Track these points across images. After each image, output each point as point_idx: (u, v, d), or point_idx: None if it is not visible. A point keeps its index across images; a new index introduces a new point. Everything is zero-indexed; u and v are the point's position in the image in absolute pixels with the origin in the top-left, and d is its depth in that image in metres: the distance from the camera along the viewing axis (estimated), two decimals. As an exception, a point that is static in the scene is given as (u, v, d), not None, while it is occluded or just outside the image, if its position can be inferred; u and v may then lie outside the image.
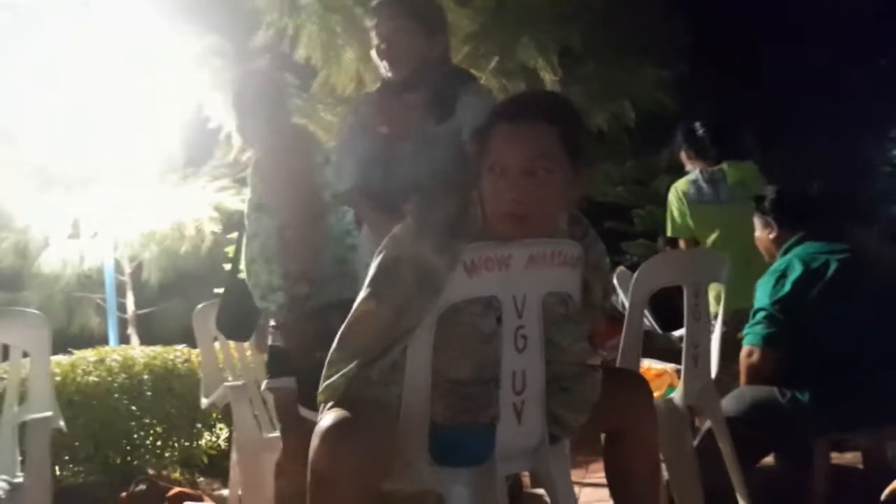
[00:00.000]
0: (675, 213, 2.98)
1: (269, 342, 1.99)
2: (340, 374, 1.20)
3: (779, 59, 6.21)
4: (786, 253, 2.07)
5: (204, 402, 2.50)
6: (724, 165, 2.85)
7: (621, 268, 2.83)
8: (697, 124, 2.94)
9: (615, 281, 2.52)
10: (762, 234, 2.18)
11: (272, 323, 1.99)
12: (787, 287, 1.95)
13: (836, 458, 2.16)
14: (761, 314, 1.98)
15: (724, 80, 5.76)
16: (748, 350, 1.99)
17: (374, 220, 1.75)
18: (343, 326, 1.23)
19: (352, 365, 1.20)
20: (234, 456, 2.30)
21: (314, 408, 1.74)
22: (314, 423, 1.73)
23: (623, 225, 5.30)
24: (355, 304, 1.23)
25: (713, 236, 2.84)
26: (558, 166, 1.20)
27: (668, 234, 3.06)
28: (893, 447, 2.10)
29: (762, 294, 2.00)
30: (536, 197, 1.19)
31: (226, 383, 2.29)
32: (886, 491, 1.24)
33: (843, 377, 1.84)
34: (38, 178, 3.78)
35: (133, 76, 3.65)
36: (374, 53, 1.83)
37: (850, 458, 2.31)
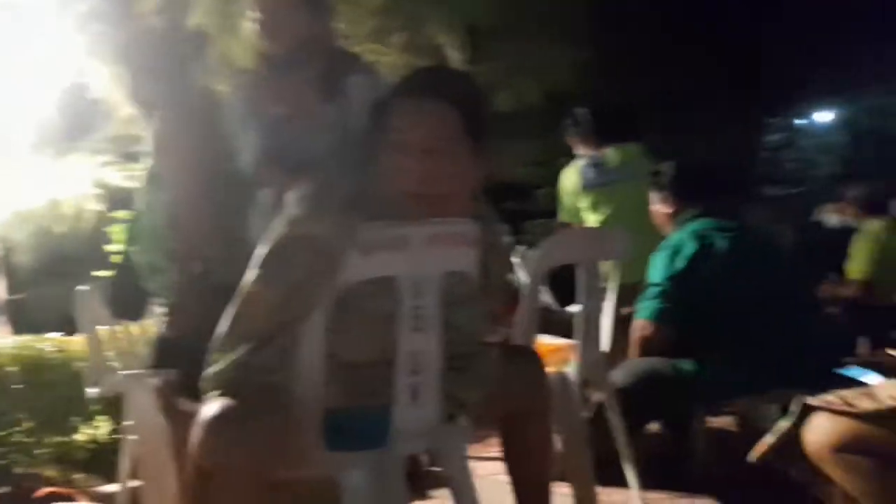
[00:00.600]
0: (565, 200, 3.16)
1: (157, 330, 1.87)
2: (227, 361, 1.14)
3: (682, 44, 6.51)
4: (680, 228, 2.17)
5: (90, 391, 2.33)
6: (608, 149, 3.01)
7: (523, 247, 2.90)
8: (581, 111, 3.09)
9: (517, 260, 2.58)
10: (658, 208, 2.28)
11: (159, 307, 1.88)
12: (681, 264, 2.05)
13: (712, 421, 2.34)
14: (655, 289, 2.07)
15: (630, 62, 5.98)
16: (641, 324, 2.09)
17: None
18: (230, 311, 1.17)
19: (239, 351, 1.14)
20: (125, 449, 2.17)
21: (199, 400, 1.68)
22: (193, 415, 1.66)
23: (525, 205, 5.43)
24: (244, 288, 1.16)
25: (602, 219, 3.00)
26: (460, 145, 1.19)
27: (559, 219, 3.23)
28: (764, 410, 2.29)
29: (656, 269, 2.10)
30: (435, 175, 1.17)
31: (121, 371, 2.13)
32: (754, 451, 1.34)
33: (728, 349, 1.98)
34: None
35: (4, 38, 3.29)
36: (253, 27, 1.74)
37: (726, 421, 2.50)
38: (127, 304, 2.00)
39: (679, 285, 2.04)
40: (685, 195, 2.22)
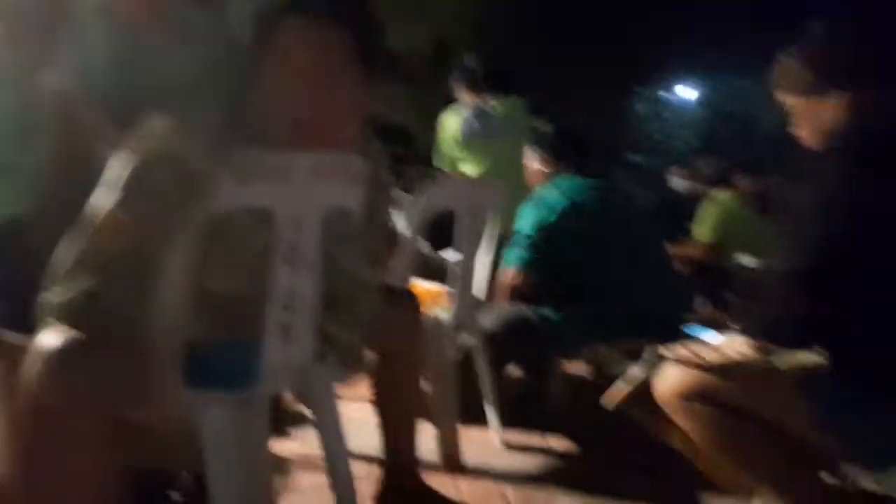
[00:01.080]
0: (444, 147, 3.15)
1: None
2: (76, 289, 1.00)
3: (568, 8, 6.61)
4: (552, 184, 2.26)
5: None
6: (491, 99, 3.01)
7: (400, 192, 2.86)
8: (471, 59, 3.08)
9: (397, 204, 2.55)
10: (534, 165, 2.35)
11: None
12: (551, 217, 2.14)
13: (568, 367, 2.51)
14: (523, 239, 2.15)
15: (519, 23, 6.00)
16: (508, 271, 2.17)
17: (102, 134, 1.36)
18: (83, 237, 1.03)
19: (90, 279, 1.00)
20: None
21: (18, 328, 1.48)
22: (19, 348, 1.48)
23: (405, 149, 5.37)
24: (95, 210, 1.02)
25: (483, 169, 3.02)
26: (349, 71, 1.11)
27: (435, 163, 3.21)
28: (613, 358, 2.49)
29: (525, 220, 2.17)
30: (322, 101, 1.09)
31: None
32: (606, 396, 1.45)
33: (587, 299, 2.10)
34: None
35: None
36: None
37: (580, 368, 2.70)
38: None
39: (546, 237, 2.13)
40: (562, 156, 2.30)
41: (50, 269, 1.02)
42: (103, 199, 1.03)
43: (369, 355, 1.40)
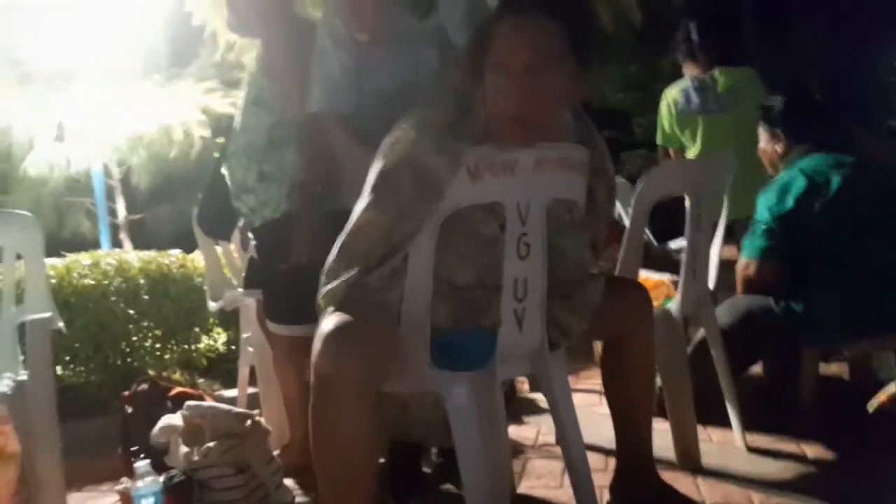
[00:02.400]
0: (665, 123, 2.93)
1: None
2: (341, 280, 1.18)
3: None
4: (790, 165, 2.03)
5: (212, 305, 2.51)
6: (716, 72, 2.74)
7: (620, 178, 2.78)
8: (692, 25, 2.79)
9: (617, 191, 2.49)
10: (768, 145, 2.14)
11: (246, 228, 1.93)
12: (790, 203, 1.93)
13: (823, 368, 2.22)
14: (761, 227, 1.97)
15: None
16: (745, 262, 2.00)
17: (345, 146, 1.60)
18: (343, 235, 1.20)
19: (352, 271, 1.18)
20: (242, 357, 2.35)
21: (278, 321, 1.74)
22: (283, 337, 1.73)
23: (622, 134, 5.17)
24: (355, 212, 1.19)
25: (701, 146, 2.78)
26: (564, 64, 1.14)
27: (658, 142, 3.02)
28: (879, 358, 2.15)
29: (763, 207, 1.98)
30: (540, 97, 1.13)
31: (239, 288, 2.28)
32: (873, 401, 1.26)
33: (837, 289, 1.86)
34: (15, 72, 3.61)
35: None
36: None
37: (836, 369, 2.37)
38: (215, 222, 2.07)
39: (786, 224, 1.92)
40: (796, 133, 2.04)
41: (327, 262, 1.21)
42: (360, 203, 1.19)
43: (598, 345, 1.41)
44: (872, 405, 1.25)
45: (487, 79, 1.15)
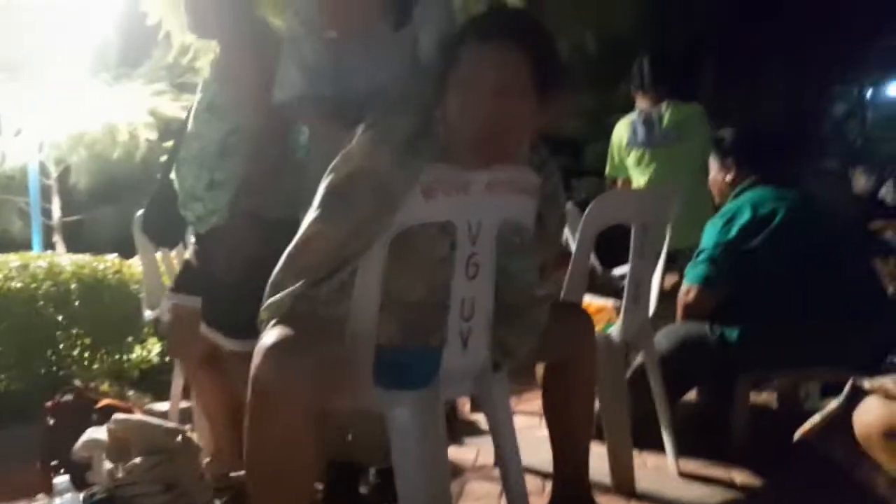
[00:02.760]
0: (613, 154, 3.06)
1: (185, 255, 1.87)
2: (286, 292, 1.16)
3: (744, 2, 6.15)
4: (737, 196, 2.10)
5: (148, 314, 2.41)
6: (663, 106, 2.86)
7: (570, 204, 2.85)
8: (645, 60, 2.92)
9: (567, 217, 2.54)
10: (718, 175, 2.19)
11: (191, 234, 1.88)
12: (734, 232, 2.00)
13: (753, 397, 2.30)
14: (704, 254, 2.03)
15: (691, 13, 5.68)
16: (687, 288, 2.06)
17: (322, 128, 1.60)
18: (291, 245, 1.18)
19: (298, 284, 1.15)
20: (176, 369, 2.26)
21: (217, 327, 1.70)
22: (212, 344, 1.68)
23: (574, 161, 5.30)
24: (304, 223, 1.17)
25: (644, 178, 2.91)
26: (529, 91, 1.16)
27: (606, 173, 3.14)
28: (807, 388, 2.25)
29: (709, 236, 2.05)
30: (505, 120, 1.14)
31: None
32: (800, 430, 1.31)
33: (772, 320, 1.93)
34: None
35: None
36: None
37: (766, 397, 2.47)
38: (160, 228, 2.00)
39: (728, 253, 1.99)
40: (746, 164, 2.14)
41: (273, 272, 1.18)
42: (309, 213, 1.17)
43: (540, 368, 1.42)
44: (797, 435, 1.30)
45: (451, 99, 1.16)
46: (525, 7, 3.90)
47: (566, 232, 2.45)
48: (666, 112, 2.86)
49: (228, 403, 1.72)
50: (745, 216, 2.01)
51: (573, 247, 1.85)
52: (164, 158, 3.81)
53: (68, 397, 1.82)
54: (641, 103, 2.95)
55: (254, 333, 1.17)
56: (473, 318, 1.21)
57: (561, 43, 4.25)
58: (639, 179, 2.95)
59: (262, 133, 1.64)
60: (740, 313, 1.98)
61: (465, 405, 2.35)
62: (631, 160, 2.96)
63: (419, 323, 1.20)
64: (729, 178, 2.15)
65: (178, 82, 4.09)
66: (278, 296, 1.16)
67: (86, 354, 2.55)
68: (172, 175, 1.83)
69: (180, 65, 3.88)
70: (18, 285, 2.45)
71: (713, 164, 2.23)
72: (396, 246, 1.15)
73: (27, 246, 3.53)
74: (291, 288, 1.15)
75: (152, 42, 3.89)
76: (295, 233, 1.18)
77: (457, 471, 1.86)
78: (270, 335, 1.09)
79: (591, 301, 2.08)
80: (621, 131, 3.01)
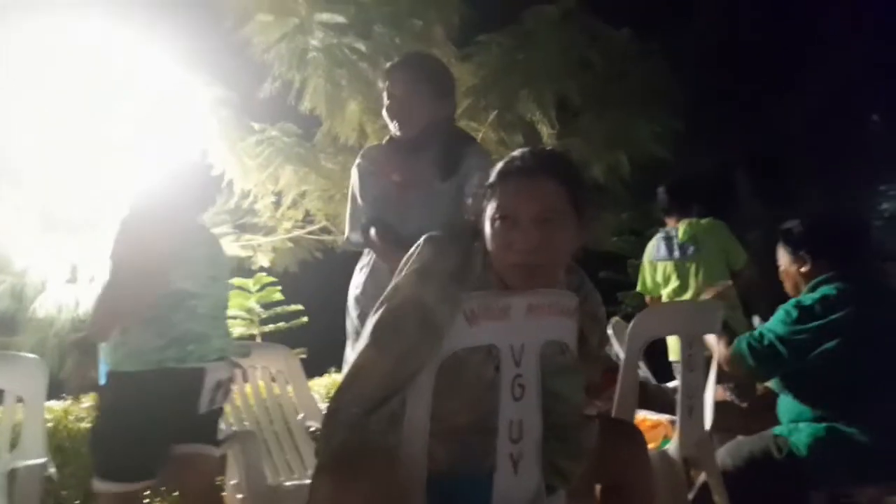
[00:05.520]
0: (645, 272, 3.48)
1: None
2: (339, 421, 1.20)
3: (771, 116, 6.38)
4: (814, 289, 1.99)
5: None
6: (680, 224, 3.33)
7: (616, 318, 2.92)
8: (661, 188, 3.42)
9: (611, 331, 2.56)
10: (790, 267, 2.09)
11: None
12: (809, 333, 1.89)
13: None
14: (768, 338, 1.93)
15: (720, 133, 5.91)
16: (736, 357, 1.97)
17: (388, 253, 1.81)
18: (344, 376, 1.25)
19: (352, 414, 1.20)
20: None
21: (110, 478, 1.74)
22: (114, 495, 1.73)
23: (618, 275, 5.36)
24: (357, 353, 1.24)
25: (668, 290, 3.32)
26: (564, 217, 1.25)
27: (637, 288, 3.56)
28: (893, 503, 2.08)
29: (780, 321, 1.95)
30: (545, 246, 1.22)
31: (233, 429, 2.26)
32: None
33: (844, 433, 1.83)
34: (40, 221, 3.80)
35: (140, 121, 3.71)
36: (384, 112, 1.92)
37: (849, 513, 2.28)
38: None
39: (793, 352, 1.88)
40: (822, 256, 2.02)
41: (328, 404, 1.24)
42: (359, 344, 1.24)
43: (596, 487, 1.39)
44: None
45: (491, 232, 1.25)
46: (558, 135, 4.19)
47: (616, 346, 2.46)
48: (681, 229, 3.31)
49: None
50: (824, 317, 1.90)
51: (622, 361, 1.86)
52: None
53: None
54: (669, 222, 3.41)
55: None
56: (522, 441, 1.23)
57: (597, 167, 4.58)
58: (665, 289, 3.34)
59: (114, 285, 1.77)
60: (809, 424, 1.89)
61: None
62: (655, 274, 3.39)
63: (469, 449, 1.22)
64: (804, 269, 2.03)
65: (239, 223, 4.42)
66: (333, 425, 1.21)
67: (147, 492, 2.57)
68: None
69: (241, 208, 4.21)
70: (87, 426, 2.54)
71: (783, 256, 2.12)
72: (443, 372, 1.20)
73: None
74: (345, 417, 1.20)
75: (217, 189, 4.25)
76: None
77: None
78: (327, 462, 1.13)
79: (645, 417, 2.04)
80: (649, 249, 3.46)
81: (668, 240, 3.35)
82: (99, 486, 1.76)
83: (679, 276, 3.29)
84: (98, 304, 1.81)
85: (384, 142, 2.01)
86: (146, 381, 1.75)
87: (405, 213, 1.85)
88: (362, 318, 1.87)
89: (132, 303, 1.77)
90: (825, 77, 6.58)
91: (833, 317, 1.90)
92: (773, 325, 1.97)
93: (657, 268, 3.38)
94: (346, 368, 1.26)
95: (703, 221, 3.33)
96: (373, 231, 1.88)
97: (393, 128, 1.91)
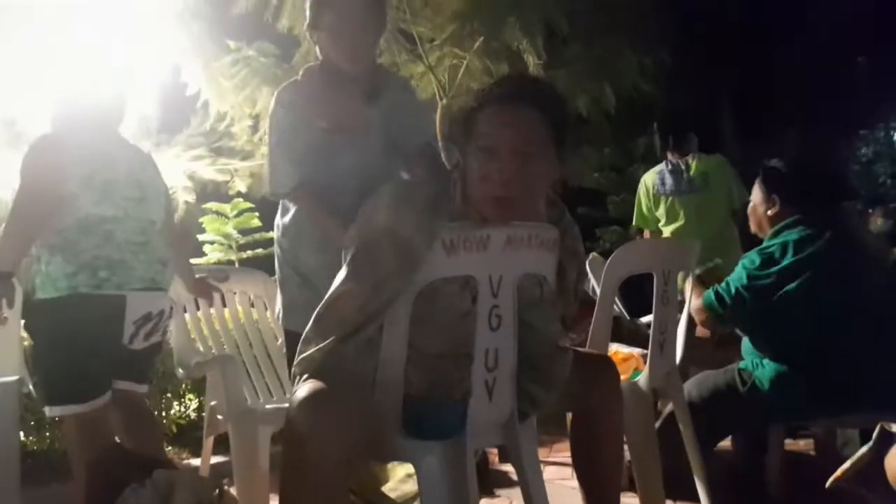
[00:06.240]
0: (642, 204, 3.32)
1: None
2: (317, 348, 1.21)
3: (759, 55, 6.30)
4: (777, 233, 2.03)
5: (180, 372, 2.48)
6: (690, 157, 3.17)
7: (594, 254, 2.93)
8: (664, 122, 3.32)
9: (587, 266, 2.58)
10: (760, 206, 2.12)
11: None
12: (770, 278, 1.94)
13: (790, 444, 2.25)
14: (734, 286, 1.98)
15: (707, 70, 5.83)
16: (704, 308, 2.02)
17: (323, 218, 1.72)
18: (321, 305, 1.24)
19: (328, 340, 1.21)
20: (207, 426, 2.30)
21: (54, 402, 1.78)
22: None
23: (598, 211, 5.38)
24: (334, 284, 1.24)
25: (675, 226, 3.17)
26: (545, 150, 1.22)
27: (634, 223, 3.34)
28: (845, 435, 2.19)
29: (743, 269, 1.99)
30: (524, 179, 1.20)
31: (212, 352, 2.27)
32: (831, 478, 1.30)
33: (804, 369, 1.90)
34: (5, 133, 3.67)
35: (109, 31, 3.53)
36: (326, 34, 1.74)
37: (803, 445, 2.40)
38: None
39: (758, 296, 1.94)
40: (792, 202, 2.05)
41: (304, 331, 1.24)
42: (339, 274, 1.24)
43: (565, 419, 1.44)
44: (830, 481, 1.29)
45: (470, 162, 1.23)
46: (544, 66, 4.08)
47: (591, 281, 2.49)
48: (693, 163, 3.14)
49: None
50: (786, 259, 1.95)
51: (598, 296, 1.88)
52: (201, 219, 3.99)
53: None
54: (670, 156, 3.24)
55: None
56: (497, 369, 1.25)
57: (581, 101, 4.48)
58: (668, 227, 3.18)
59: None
60: (771, 360, 1.96)
61: (495, 456, 2.35)
62: (659, 208, 3.21)
63: (445, 375, 1.24)
64: (772, 212, 2.07)
65: (216, 146, 4.31)
66: (309, 352, 1.22)
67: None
68: None
69: (217, 131, 4.09)
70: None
71: (757, 193, 2.15)
72: (420, 301, 1.20)
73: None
74: (321, 344, 1.21)
75: (191, 110, 4.13)
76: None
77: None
78: (303, 389, 1.14)
79: (617, 350, 2.09)
80: (649, 181, 3.26)
81: (677, 173, 3.18)
82: (48, 412, 1.80)
83: (688, 212, 3.14)
84: (3, 232, 1.76)
85: (305, 76, 1.81)
86: (61, 307, 1.74)
87: (342, 161, 1.71)
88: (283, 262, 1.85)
89: (33, 230, 1.73)
90: (814, 16, 6.48)
91: (792, 259, 1.94)
92: (737, 273, 2.02)
93: (660, 201, 3.22)
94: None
95: (713, 158, 3.22)
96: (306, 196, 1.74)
97: (342, 60, 1.73)
